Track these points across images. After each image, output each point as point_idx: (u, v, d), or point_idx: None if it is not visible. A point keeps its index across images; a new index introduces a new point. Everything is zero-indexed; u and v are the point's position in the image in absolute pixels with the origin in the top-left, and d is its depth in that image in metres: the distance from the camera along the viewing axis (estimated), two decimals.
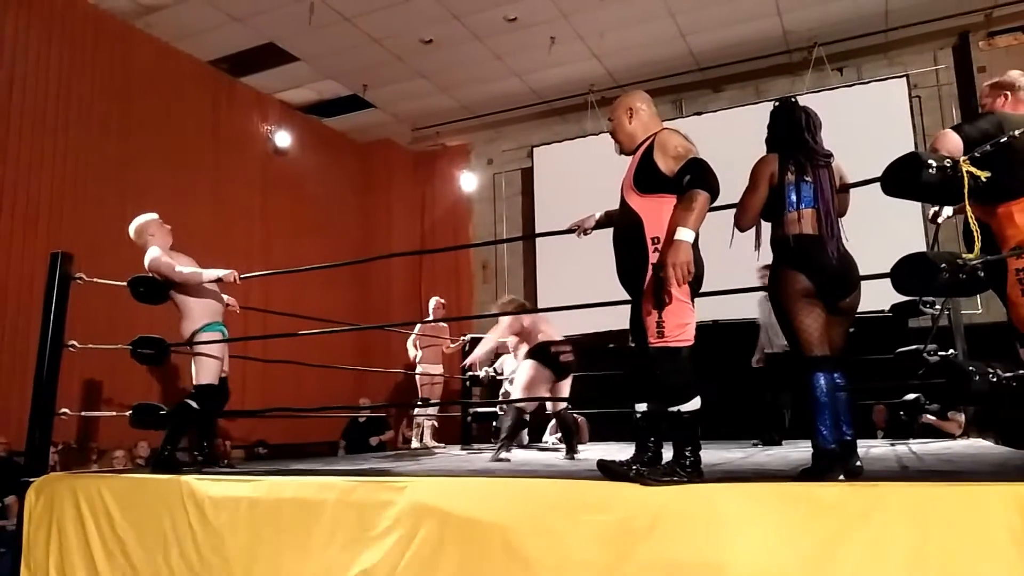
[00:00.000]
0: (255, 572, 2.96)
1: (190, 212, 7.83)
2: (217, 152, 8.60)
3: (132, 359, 4.16)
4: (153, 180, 7.60)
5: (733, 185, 2.79)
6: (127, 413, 4.08)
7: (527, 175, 10.30)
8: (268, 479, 3.14)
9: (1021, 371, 2.37)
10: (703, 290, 2.77)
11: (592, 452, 5.40)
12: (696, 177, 2.50)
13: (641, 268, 2.60)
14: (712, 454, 2.68)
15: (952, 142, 2.48)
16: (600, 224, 3.29)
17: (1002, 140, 2.39)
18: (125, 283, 4.07)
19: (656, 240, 2.57)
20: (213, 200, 8.39)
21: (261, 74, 8.95)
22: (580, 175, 8.76)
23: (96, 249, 6.35)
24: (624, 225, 2.71)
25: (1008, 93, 2.81)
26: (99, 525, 3.37)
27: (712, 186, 2.52)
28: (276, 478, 3.15)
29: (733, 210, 2.82)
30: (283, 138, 9.42)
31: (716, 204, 2.61)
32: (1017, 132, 2.41)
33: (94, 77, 7.31)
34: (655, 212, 2.60)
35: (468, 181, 10.57)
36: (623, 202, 2.75)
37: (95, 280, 4.16)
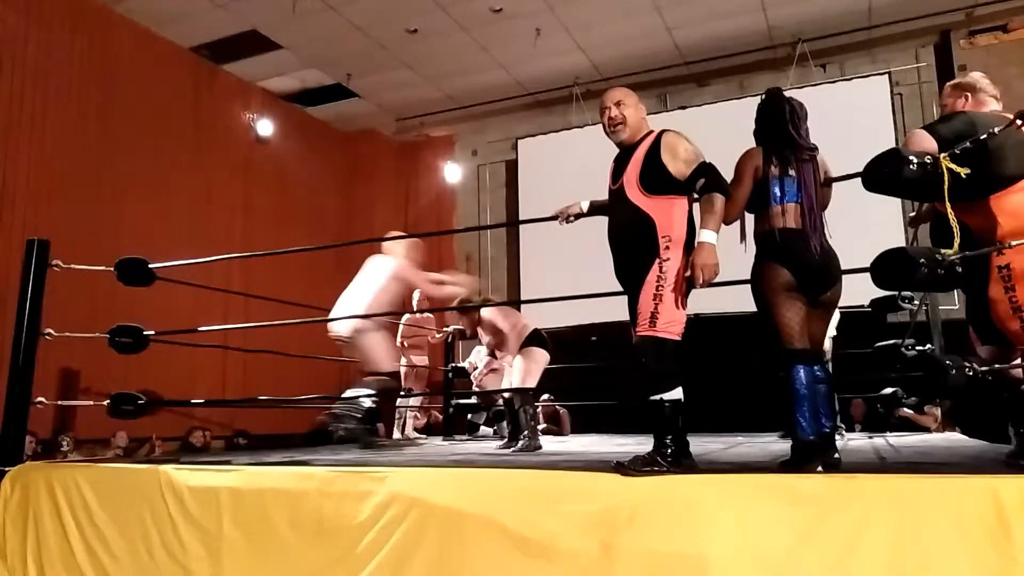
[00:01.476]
0: (239, 561, 2.94)
1: (170, 200, 7.73)
2: (198, 140, 8.50)
3: (110, 348, 4.11)
4: (133, 167, 7.49)
5: None
6: (105, 403, 4.03)
7: (511, 167, 10.26)
8: (248, 469, 3.12)
9: (996, 365, 2.41)
10: None
11: (574, 444, 5.43)
12: (711, 181, 2.65)
13: (648, 266, 2.66)
14: (693, 446, 2.70)
15: (925, 141, 2.51)
16: (585, 213, 3.30)
17: (982, 137, 2.41)
18: (103, 268, 4.02)
19: (667, 239, 2.67)
20: (194, 188, 8.28)
21: (244, 61, 8.84)
22: (564, 167, 8.76)
23: (74, 236, 6.25)
24: (631, 225, 2.75)
25: (968, 94, 2.89)
26: (76, 515, 3.33)
27: (725, 189, 2.67)
28: (256, 468, 3.13)
29: None
30: (265, 126, 9.32)
31: None
32: (997, 129, 2.43)
33: (72, 62, 7.19)
34: (666, 212, 2.70)
35: (452, 172, 10.53)
36: (624, 200, 2.77)
37: (72, 267, 4.10)
